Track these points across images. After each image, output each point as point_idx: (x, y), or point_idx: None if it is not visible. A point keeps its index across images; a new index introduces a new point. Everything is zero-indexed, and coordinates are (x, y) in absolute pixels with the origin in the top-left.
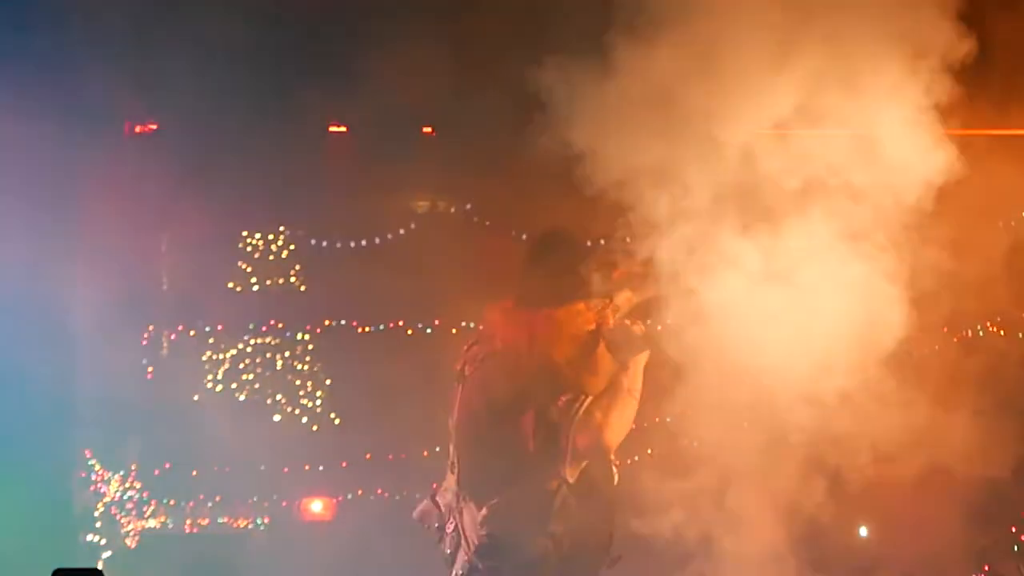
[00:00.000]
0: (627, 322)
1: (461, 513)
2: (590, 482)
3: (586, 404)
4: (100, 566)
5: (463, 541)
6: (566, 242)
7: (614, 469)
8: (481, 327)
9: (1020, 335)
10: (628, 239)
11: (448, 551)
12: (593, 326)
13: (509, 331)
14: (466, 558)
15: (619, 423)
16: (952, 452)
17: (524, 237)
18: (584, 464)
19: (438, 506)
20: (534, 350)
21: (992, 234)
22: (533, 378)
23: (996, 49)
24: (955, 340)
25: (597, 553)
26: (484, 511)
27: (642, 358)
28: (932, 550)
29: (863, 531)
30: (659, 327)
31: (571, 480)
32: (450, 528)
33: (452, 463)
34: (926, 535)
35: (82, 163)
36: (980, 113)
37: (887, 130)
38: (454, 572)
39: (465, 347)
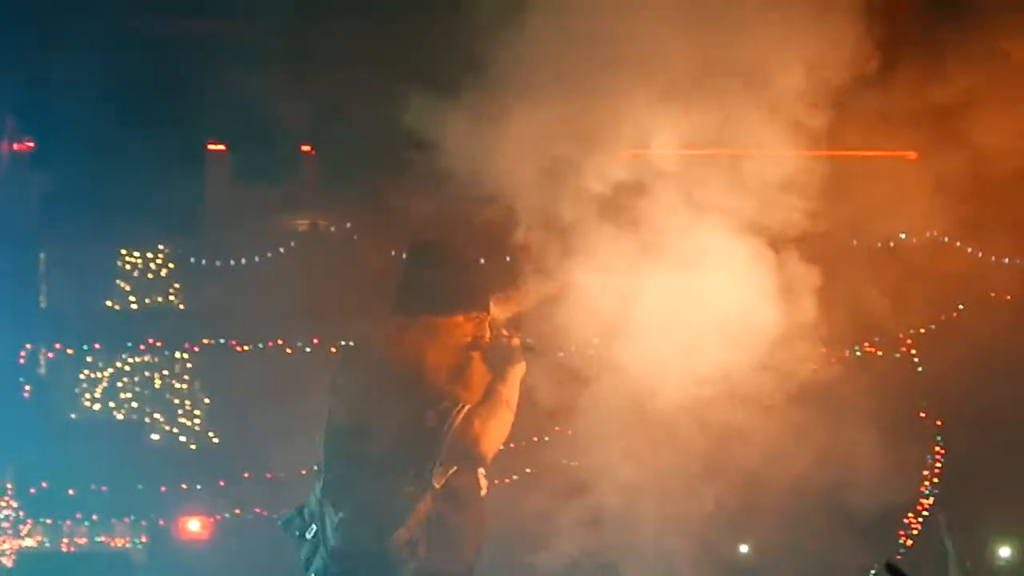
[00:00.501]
0: (505, 334)
1: (323, 519)
2: (455, 491)
3: (464, 411)
4: None
5: (321, 546)
6: (445, 252)
7: (483, 480)
8: (355, 338)
9: (896, 355)
10: (508, 255)
11: (304, 557)
12: (470, 338)
13: (384, 338)
14: (321, 563)
15: (496, 433)
16: (832, 469)
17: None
18: (451, 471)
19: (301, 514)
20: (407, 357)
21: (868, 254)
22: (405, 386)
23: (873, 69)
24: (833, 360)
25: (460, 566)
26: (341, 514)
27: (519, 370)
28: (811, 567)
29: (743, 549)
30: (532, 341)
31: (436, 486)
32: (309, 535)
33: (319, 470)
34: (805, 552)
35: None
36: (858, 134)
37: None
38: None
39: (339, 360)
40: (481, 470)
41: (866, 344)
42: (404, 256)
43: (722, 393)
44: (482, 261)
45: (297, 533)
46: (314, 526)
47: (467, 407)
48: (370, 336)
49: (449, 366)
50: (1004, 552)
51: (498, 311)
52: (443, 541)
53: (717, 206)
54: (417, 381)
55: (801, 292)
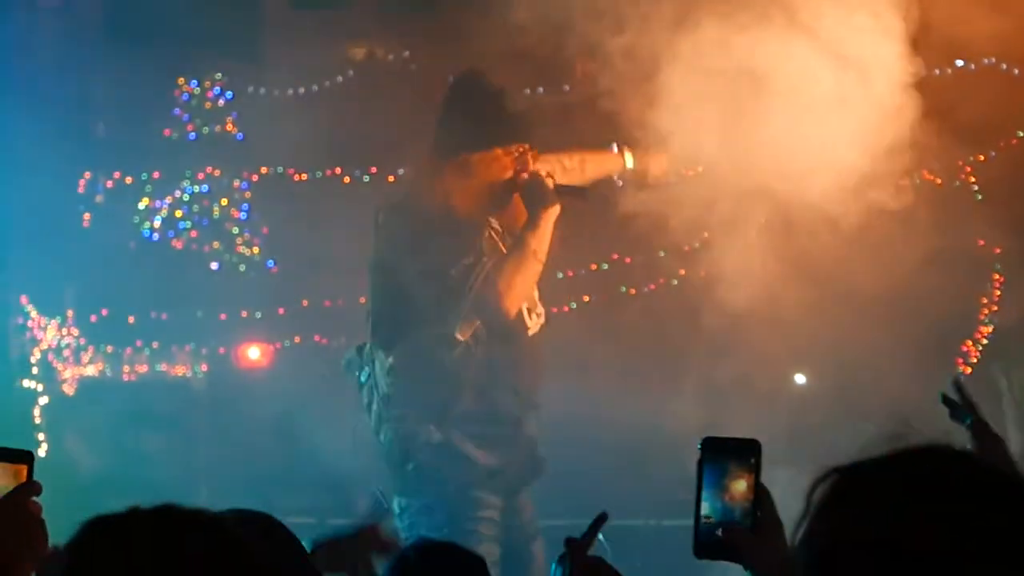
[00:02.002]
0: (543, 172)
1: (373, 362)
2: (496, 334)
3: (486, 270)
4: (37, 412)
5: (375, 390)
6: (482, 83)
7: (527, 318)
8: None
9: (956, 183)
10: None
11: (365, 401)
12: (509, 174)
13: (419, 180)
14: (375, 408)
15: (520, 289)
16: (892, 297)
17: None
18: (477, 323)
19: (360, 353)
20: (437, 203)
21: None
22: (433, 233)
23: None
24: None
25: (520, 408)
26: (389, 359)
27: (552, 213)
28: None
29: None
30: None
31: (460, 338)
32: (364, 377)
33: (368, 311)
34: (858, 384)
35: (14, 7)
36: None
37: None
38: (371, 423)
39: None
40: (526, 306)
41: (925, 172)
42: (444, 96)
43: (806, 213)
44: (528, 92)
45: (358, 373)
46: (367, 368)
47: (489, 264)
48: (410, 177)
49: (483, 207)
50: None
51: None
52: (495, 383)
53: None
54: (444, 230)
55: (878, 120)
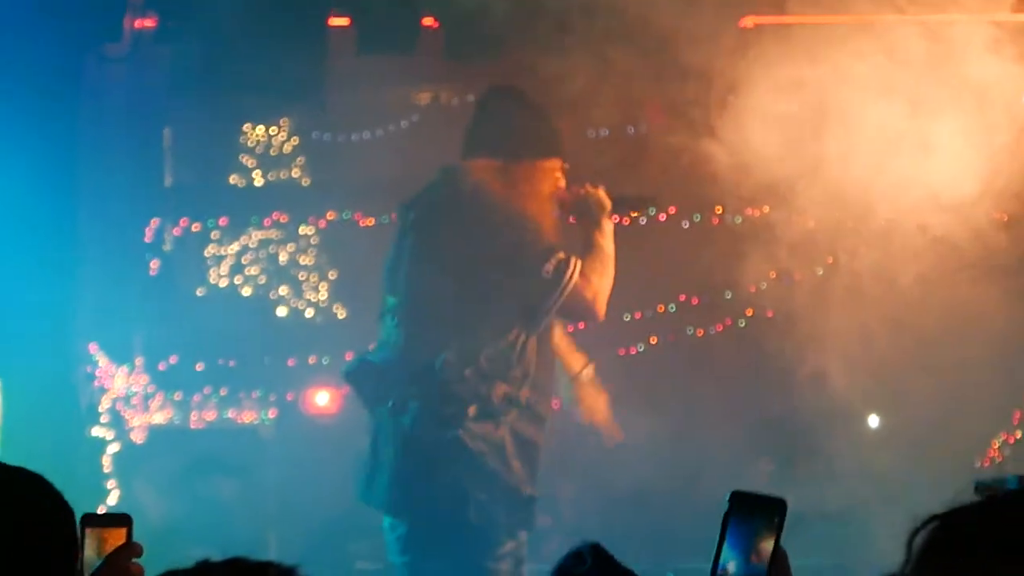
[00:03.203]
0: (589, 187)
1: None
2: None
3: (579, 267)
4: (106, 460)
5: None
6: (519, 97)
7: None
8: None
9: None
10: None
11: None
12: (543, 188)
13: (474, 178)
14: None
15: (607, 290)
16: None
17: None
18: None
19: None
20: (501, 198)
21: None
22: (505, 228)
23: None
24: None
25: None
26: (443, 356)
27: (611, 222)
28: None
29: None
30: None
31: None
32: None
33: (387, 314)
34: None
35: (83, 56)
36: None
37: None
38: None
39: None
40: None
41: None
42: (478, 102)
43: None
44: (592, 133)
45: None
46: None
47: (580, 263)
48: (456, 176)
49: (544, 212)
50: None
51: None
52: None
53: None
54: (518, 226)
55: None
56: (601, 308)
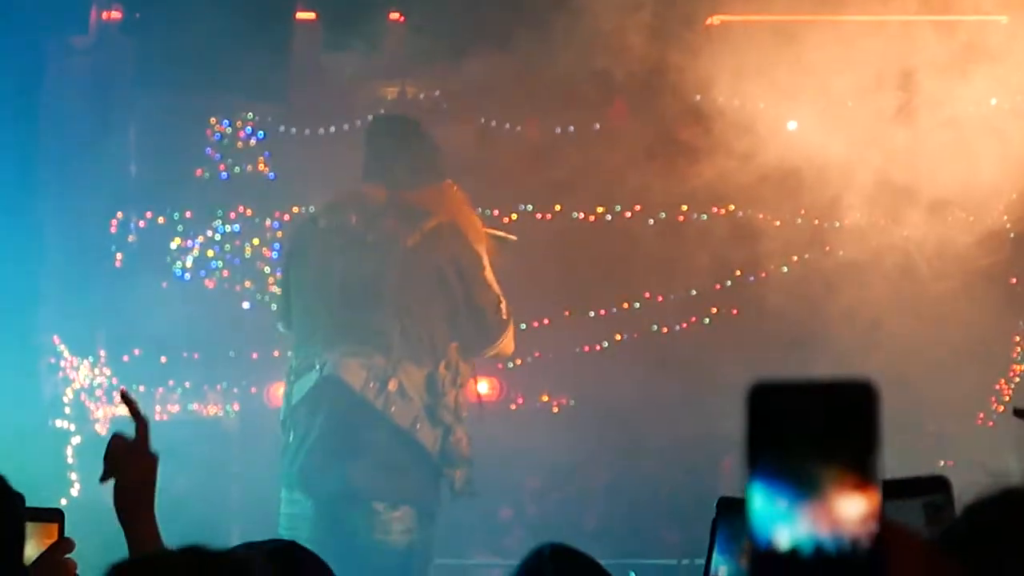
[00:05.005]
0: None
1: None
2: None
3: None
4: (69, 452)
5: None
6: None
7: None
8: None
9: None
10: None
11: (392, 409)
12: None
13: (454, 205)
14: (420, 415)
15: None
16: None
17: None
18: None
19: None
20: (471, 222)
21: None
22: (473, 248)
23: None
24: None
25: None
26: (461, 367)
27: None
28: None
29: None
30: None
31: (509, 353)
32: (392, 387)
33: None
34: None
35: (48, 47)
36: None
37: None
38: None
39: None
40: None
41: None
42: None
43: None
44: (558, 129)
45: (373, 385)
46: (395, 379)
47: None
48: (440, 201)
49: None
50: None
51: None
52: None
53: None
54: (476, 247)
55: None
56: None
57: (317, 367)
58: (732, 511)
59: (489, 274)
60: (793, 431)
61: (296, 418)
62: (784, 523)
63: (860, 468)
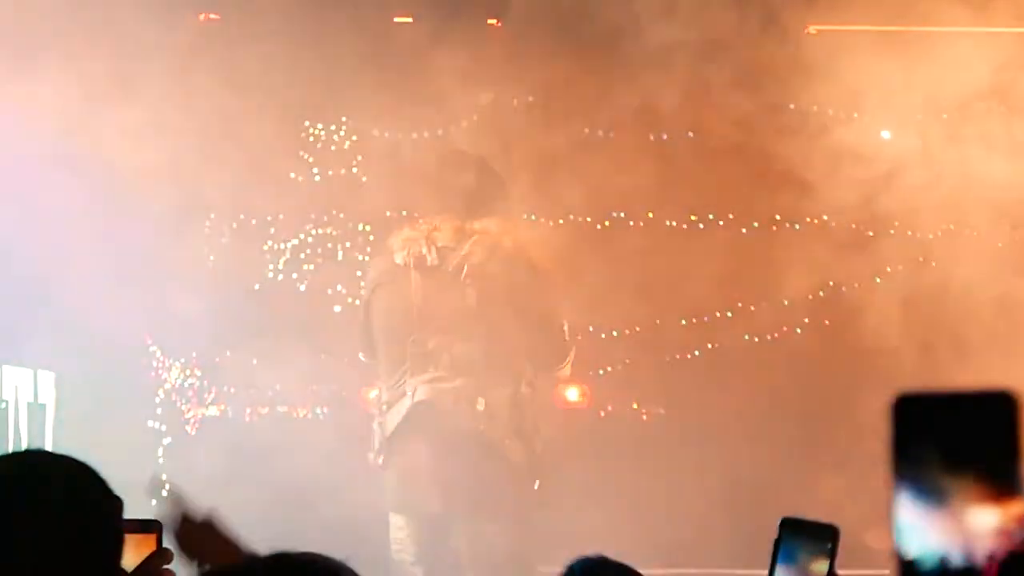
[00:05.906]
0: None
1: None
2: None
3: None
4: (160, 452)
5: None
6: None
7: None
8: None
9: None
10: None
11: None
12: None
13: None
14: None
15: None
16: None
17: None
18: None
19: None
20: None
21: None
22: (538, 274)
23: None
24: None
25: None
26: (524, 389)
27: None
28: None
29: None
30: None
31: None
32: (480, 407)
33: (427, 353)
34: None
35: (147, 49)
36: None
37: None
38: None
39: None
40: None
41: None
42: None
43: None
44: (651, 137)
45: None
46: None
47: None
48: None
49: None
50: None
51: None
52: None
53: None
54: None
55: None
56: None
57: (408, 394)
58: (795, 531)
59: (553, 300)
60: (933, 441)
61: (392, 447)
62: (920, 533)
63: (1000, 479)
